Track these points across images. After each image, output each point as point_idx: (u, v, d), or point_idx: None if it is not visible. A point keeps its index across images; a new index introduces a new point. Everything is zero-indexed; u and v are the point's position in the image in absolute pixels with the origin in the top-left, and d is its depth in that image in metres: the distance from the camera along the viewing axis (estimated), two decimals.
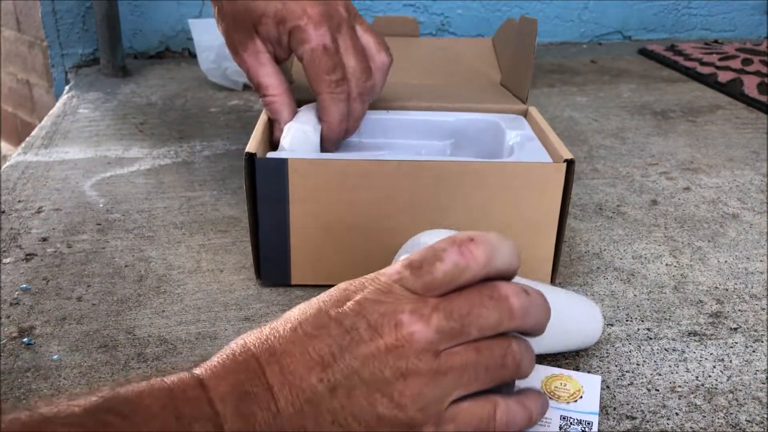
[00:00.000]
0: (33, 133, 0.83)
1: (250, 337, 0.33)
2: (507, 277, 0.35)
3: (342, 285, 0.34)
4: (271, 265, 0.52)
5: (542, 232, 0.51)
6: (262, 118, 0.55)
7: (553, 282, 0.53)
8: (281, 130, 0.53)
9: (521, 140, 0.55)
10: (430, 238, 0.39)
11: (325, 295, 0.34)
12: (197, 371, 0.31)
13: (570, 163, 0.49)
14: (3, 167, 0.74)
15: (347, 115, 0.53)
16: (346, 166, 0.49)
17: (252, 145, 0.49)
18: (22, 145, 0.80)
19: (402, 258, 0.34)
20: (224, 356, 0.32)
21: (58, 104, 0.95)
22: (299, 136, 0.52)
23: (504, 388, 0.35)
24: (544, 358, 0.45)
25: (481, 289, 0.33)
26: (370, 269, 0.40)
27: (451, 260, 0.32)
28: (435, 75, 0.71)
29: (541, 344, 0.44)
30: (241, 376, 0.31)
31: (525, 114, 0.60)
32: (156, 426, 0.28)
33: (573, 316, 0.45)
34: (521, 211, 0.50)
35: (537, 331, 0.36)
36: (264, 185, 0.48)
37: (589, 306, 0.46)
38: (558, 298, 0.46)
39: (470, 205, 0.50)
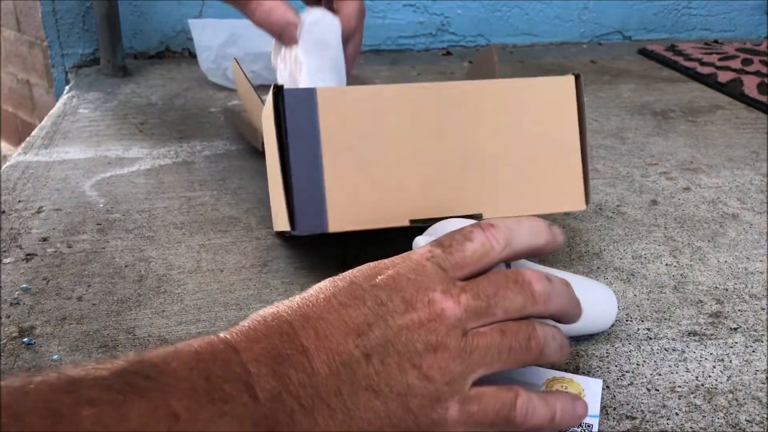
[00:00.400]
0: (33, 133, 0.83)
1: (281, 305, 0.33)
2: (531, 255, 0.38)
3: (371, 263, 0.36)
4: (306, 210, 0.48)
5: (567, 151, 0.52)
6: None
7: (587, 204, 0.53)
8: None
9: None
10: (451, 225, 0.41)
11: (356, 270, 0.35)
12: (224, 335, 0.31)
13: (578, 77, 0.52)
14: (3, 167, 0.74)
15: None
16: (373, 92, 0.49)
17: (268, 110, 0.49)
18: (23, 145, 0.80)
19: (424, 241, 0.37)
20: (255, 321, 0.32)
21: (58, 104, 0.95)
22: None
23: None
24: None
25: (506, 273, 0.35)
26: (405, 208, 0.48)
27: (479, 240, 0.35)
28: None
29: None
30: (275, 339, 0.31)
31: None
32: (185, 387, 0.28)
33: (588, 300, 0.46)
34: (542, 129, 0.52)
35: (564, 317, 0.37)
36: (293, 118, 0.47)
37: (604, 290, 0.47)
38: (573, 282, 0.46)
39: (494, 126, 0.51)
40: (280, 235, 0.60)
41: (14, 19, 1.26)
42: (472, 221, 0.41)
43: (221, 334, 0.32)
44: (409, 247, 0.58)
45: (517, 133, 0.52)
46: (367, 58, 1.18)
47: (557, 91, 0.52)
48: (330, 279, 0.35)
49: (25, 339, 0.46)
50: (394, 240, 0.60)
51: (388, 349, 0.32)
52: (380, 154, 0.49)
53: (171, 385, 0.28)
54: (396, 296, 0.33)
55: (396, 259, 0.35)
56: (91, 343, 0.46)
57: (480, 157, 0.51)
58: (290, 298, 0.34)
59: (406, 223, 0.50)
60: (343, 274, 0.35)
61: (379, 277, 0.34)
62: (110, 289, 0.52)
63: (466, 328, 0.33)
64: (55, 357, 0.44)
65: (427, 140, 0.50)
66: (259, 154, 0.72)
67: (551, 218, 0.64)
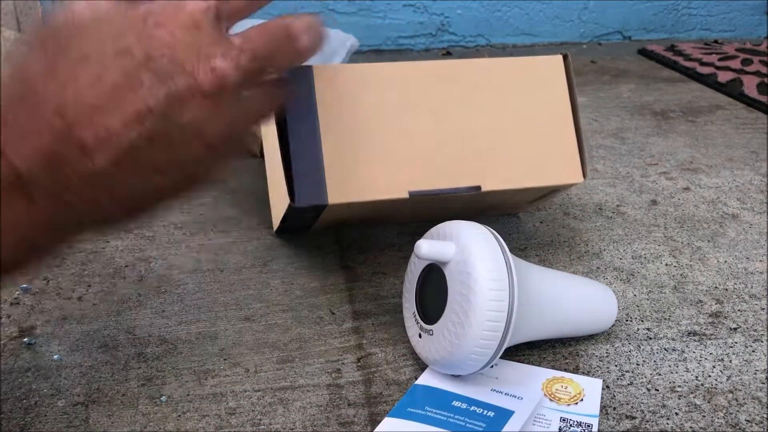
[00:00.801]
0: None
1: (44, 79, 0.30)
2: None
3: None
4: (306, 183, 0.48)
5: (560, 126, 0.54)
6: None
7: (584, 177, 0.54)
8: None
9: None
10: (451, 227, 0.41)
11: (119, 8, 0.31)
12: None
13: (565, 57, 0.54)
14: None
15: None
16: (369, 70, 0.50)
17: None
18: None
19: (427, 244, 0.39)
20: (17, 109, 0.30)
21: None
22: None
23: None
24: (544, 358, 0.45)
25: (278, 31, 0.34)
26: (404, 180, 0.49)
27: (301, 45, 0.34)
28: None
29: (558, 329, 0.45)
30: (46, 139, 0.29)
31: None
32: None
33: (588, 300, 0.46)
34: (535, 105, 0.53)
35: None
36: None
37: (604, 290, 0.47)
38: (574, 284, 0.46)
39: (489, 102, 0.52)
40: (280, 234, 0.60)
41: (14, 19, 1.26)
42: (472, 224, 0.42)
43: None
44: (409, 248, 0.58)
45: (511, 109, 0.53)
46: (367, 58, 1.18)
47: (547, 70, 0.54)
48: (90, 16, 0.31)
49: (26, 339, 0.46)
50: (394, 242, 0.60)
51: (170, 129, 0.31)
52: (377, 128, 0.50)
53: None
54: (176, 67, 0.30)
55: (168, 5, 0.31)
56: (92, 343, 0.46)
57: (476, 131, 0.52)
58: (45, 54, 0.31)
59: (405, 195, 0.50)
60: (107, 8, 0.31)
61: (155, 34, 0.30)
62: (110, 289, 0.52)
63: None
64: (56, 357, 0.44)
65: (423, 115, 0.51)
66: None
67: (552, 216, 0.64)
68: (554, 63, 0.54)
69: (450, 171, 0.51)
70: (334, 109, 0.48)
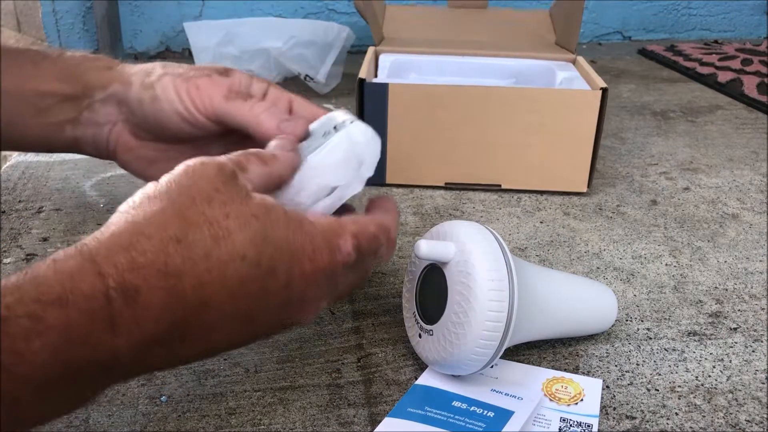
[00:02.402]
0: None
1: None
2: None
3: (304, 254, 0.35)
4: None
5: (582, 145, 0.66)
6: (369, 55, 0.73)
7: (589, 187, 0.68)
8: None
9: (569, 78, 0.71)
10: (452, 227, 0.42)
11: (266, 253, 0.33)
12: (111, 300, 0.29)
13: (604, 91, 0.64)
14: (3, 167, 0.74)
15: None
16: (432, 89, 0.65)
17: (362, 73, 0.66)
18: None
19: (426, 244, 0.40)
20: (149, 293, 0.30)
21: None
22: None
23: None
24: (544, 358, 0.45)
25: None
26: (445, 173, 0.68)
27: (380, 257, 0.40)
28: (501, 35, 0.88)
29: (558, 329, 0.45)
30: (162, 327, 0.30)
31: (573, 62, 0.77)
32: (37, 378, 0.27)
33: (588, 300, 0.46)
34: (566, 128, 0.65)
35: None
36: (370, 104, 0.65)
37: (604, 290, 0.47)
38: (574, 284, 0.46)
39: (525, 122, 0.65)
40: None
41: (14, 19, 1.26)
42: (473, 224, 0.42)
43: (110, 293, 0.29)
44: (409, 248, 0.58)
45: (543, 129, 0.65)
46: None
47: (585, 101, 0.64)
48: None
49: None
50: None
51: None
52: (429, 134, 0.66)
53: (24, 375, 0.26)
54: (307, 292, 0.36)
55: (322, 264, 0.35)
56: None
57: (508, 144, 0.66)
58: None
59: (442, 185, 0.69)
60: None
61: (295, 274, 0.34)
62: None
63: None
64: None
65: (467, 127, 0.66)
66: None
67: (552, 216, 0.64)
68: (592, 96, 0.64)
69: (479, 171, 0.68)
70: (400, 116, 0.66)
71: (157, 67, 0.47)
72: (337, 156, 0.40)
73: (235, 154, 0.36)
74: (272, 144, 0.40)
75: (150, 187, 0.33)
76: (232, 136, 0.47)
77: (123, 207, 0.32)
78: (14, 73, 0.46)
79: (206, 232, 0.31)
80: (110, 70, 0.48)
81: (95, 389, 0.30)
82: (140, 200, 0.32)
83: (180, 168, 0.34)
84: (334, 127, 0.42)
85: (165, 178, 0.33)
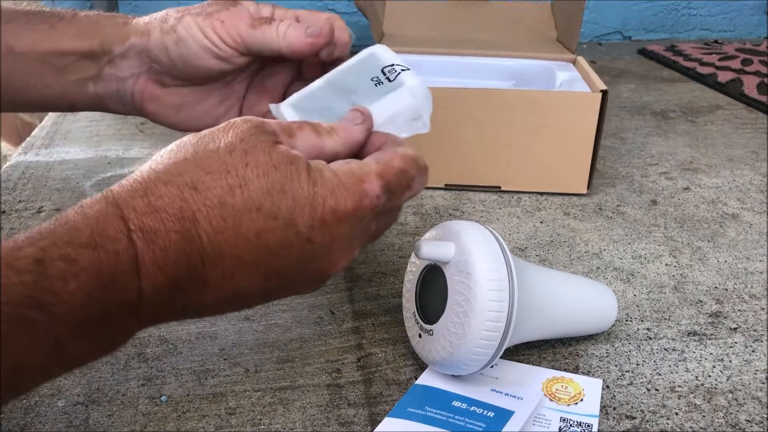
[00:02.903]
0: (33, 133, 0.83)
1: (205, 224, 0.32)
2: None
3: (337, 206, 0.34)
4: None
5: (582, 147, 0.66)
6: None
7: (589, 188, 0.68)
8: None
9: (569, 79, 0.71)
10: (455, 226, 0.42)
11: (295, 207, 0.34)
12: (134, 239, 0.30)
13: (604, 93, 0.63)
14: (3, 167, 0.74)
15: None
16: (432, 91, 0.62)
17: None
18: (23, 145, 0.80)
19: (427, 245, 0.40)
20: (170, 233, 0.31)
21: None
22: None
23: None
24: (544, 358, 0.45)
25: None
26: (445, 174, 0.68)
27: (415, 190, 0.39)
28: (501, 31, 0.88)
29: (558, 329, 0.45)
30: (180, 270, 0.31)
31: (573, 62, 0.77)
32: (76, 318, 0.28)
33: (588, 300, 0.46)
34: (565, 131, 0.65)
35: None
36: None
37: (604, 290, 0.47)
38: (574, 284, 0.46)
39: (526, 124, 0.65)
40: None
41: None
42: (474, 224, 0.42)
43: (132, 236, 0.30)
44: (409, 248, 0.58)
45: (543, 131, 0.65)
46: None
47: (585, 103, 0.64)
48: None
49: None
50: (394, 242, 0.60)
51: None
52: (430, 134, 0.62)
53: (62, 315, 0.28)
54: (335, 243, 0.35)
55: (352, 209, 0.35)
56: None
57: (508, 145, 0.66)
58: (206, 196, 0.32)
59: (442, 185, 0.69)
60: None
61: (324, 221, 0.34)
62: None
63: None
64: None
65: (470, 128, 0.66)
66: None
67: (552, 216, 0.64)
68: (592, 98, 0.64)
69: (479, 172, 0.68)
70: None
71: (171, 12, 0.48)
72: (396, 110, 0.41)
73: (287, 122, 0.37)
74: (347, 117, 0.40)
75: (184, 138, 0.34)
76: (253, 65, 0.49)
77: (154, 157, 0.34)
78: (29, 36, 0.46)
79: (223, 180, 0.32)
80: (126, 25, 0.48)
81: (125, 332, 0.32)
82: (169, 149, 0.34)
83: (222, 124, 0.35)
84: (383, 71, 0.42)
85: (203, 132, 0.35)
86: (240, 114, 0.51)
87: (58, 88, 0.48)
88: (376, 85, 0.42)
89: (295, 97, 0.44)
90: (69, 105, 0.50)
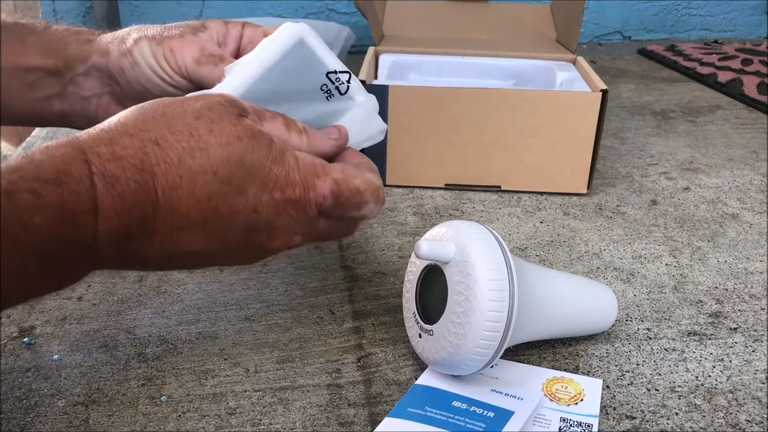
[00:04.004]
0: (33, 133, 0.83)
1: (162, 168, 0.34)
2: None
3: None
4: None
5: (582, 147, 0.66)
6: (369, 55, 0.73)
7: (589, 188, 0.68)
8: None
9: (569, 79, 0.71)
10: (451, 228, 0.42)
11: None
12: (96, 183, 0.32)
13: (605, 92, 0.64)
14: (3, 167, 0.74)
15: None
16: (432, 91, 0.65)
17: (362, 74, 0.66)
18: (23, 145, 0.80)
19: (426, 244, 0.39)
20: (127, 179, 0.33)
21: None
22: None
23: None
24: (544, 358, 0.45)
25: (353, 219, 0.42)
26: (445, 174, 0.68)
27: (364, 213, 0.40)
28: (501, 31, 0.88)
29: (558, 329, 0.45)
30: (134, 218, 0.33)
31: (573, 62, 0.77)
32: (37, 249, 0.31)
33: (588, 300, 0.46)
34: (565, 130, 0.66)
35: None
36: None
37: (604, 290, 0.47)
38: (574, 284, 0.46)
39: (526, 124, 0.66)
40: None
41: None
42: (473, 224, 0.42)
43: (94, 178, 0.32)
44: (409, 248, 0.58)
45: (543, 131, 0.66)
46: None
47: (585, 102, 0.64)
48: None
49: (26, 339, 0.46)
50: (394, 242, 0.60)
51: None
52: (430, 135, 0.66)
53: (29, 246, 0.30)
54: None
55: (297, 190, 0.37)
56: (92, 343, 0.46)
57: (508, 145, 0.66)
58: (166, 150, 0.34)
59: (442, 185, 0.69)
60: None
61: (264, 199, 0.36)
62: (110, 288, 0.52)
63: None
64: (56, 357, 0.44)
65: (468, 128, 0.66)
66: None
67: (552, 216, 0.64)
68: (592, 98, 0.64)
69: (479, 172, 0.68)
70: (401, 117, 0.65)
71: (132, 32, 0.47)
72: (354, 130, 0.43)
73: (261, 109, 0.38)
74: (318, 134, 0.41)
75: (157, 99, 0.36)
76: None
77: (124, 111, 0.35)
78: (2, 49, 0.46)
79: (185, 141, 0.34)
80: (89, 42, 0.48)
81: (80, 270, 0.34)
82: (140, 106, 0.35)
83: (195, 93, 0.37)
84: (329, 78, 0.43)
85: (175, 98, 0.36)
86: None
87: (27, 103, 0.48)
88: (327, 98, 0.43)
89: (236, 88, 0.41)
90: (39, 120, 0.50)
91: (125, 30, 0.48)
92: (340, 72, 0.43)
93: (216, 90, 0.40)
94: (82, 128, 0.51)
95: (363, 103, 0.44)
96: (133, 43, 0.46)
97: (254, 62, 0.41)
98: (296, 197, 0.37)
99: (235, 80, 0.41)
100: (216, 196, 0.34)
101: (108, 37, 0.48)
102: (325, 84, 0.42)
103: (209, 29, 0.47)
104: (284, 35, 0.41)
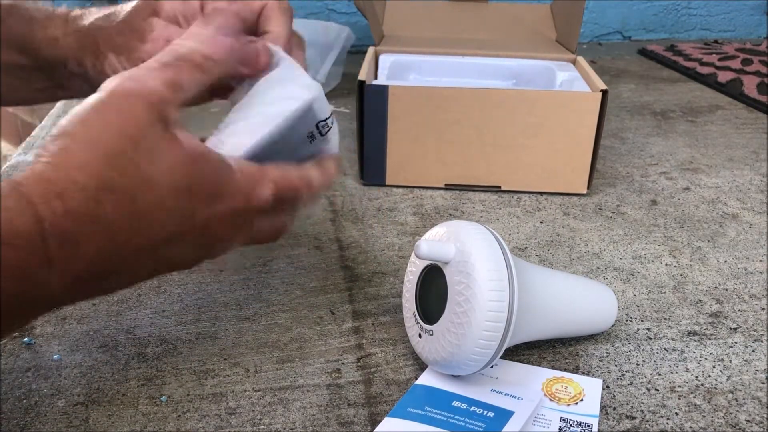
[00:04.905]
0: (33, 133, 0.83)
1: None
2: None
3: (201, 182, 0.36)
4: (372, 169, 0.68)
5: (582, 147, 0.66)
6: (369, 55, 0.73)
7: (589, 188, 0.68)
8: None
9: (569, 79, 0.72)
10: (451, 228, 0.42)
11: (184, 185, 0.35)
12: (42, 223, 0.31)
13: (604, 92, 0.64)
14: (3, 167, 0.74)
15: None
16: (432, 91, 0.65)
17: (362, 74, 0.65)
18: (23, 145, 0.80)
19: (426, 245, 0.39)
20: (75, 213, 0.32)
21: (59, 104, 0.95)
22: None
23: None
24: (544, 358, 0.45)
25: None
26: (445, 174, 0.68)
27: (302, 207, 0.42)
28: (501, 31, 0.88)
29: (558, 329, 0.45)
30: (94, 267, 0.33)
31: (573, 62, 0.77)
32: None
33: (588, 300, 0.46)
34: (565, 130, 0.65)
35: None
36: (370, 105, 0.64)
37: (604, 290, 0.47)
38: (574, 284, 0.47)
39: (526, 124, 0.65)
40: None
41: None
42: (472, 224, 0.42)
43: (45, 234, 0.31)
44: (409, 248, 0.58)
45: (543, 131, 0.65)
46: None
47: (585, 102, 0.64)
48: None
49: (26, 339, 0.46)
50: (394, 242, 0.60)
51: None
52: (430, 135, 0.66)
53: None
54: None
55: (237, 201, 0.37)
56: (92, 343, 0.46)
57: (508, 145, 0.66)
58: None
59: (442, 185, 0.69)
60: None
61: (209, 212, 0.36)
62: None
63: None
64: (56, 357, 0.44)
65: (468, 129, 0.66)
66: None
67: (552, 216, 0.64)
68: (592, 98, 0.64)
69: (479, 172, 0.68)
70: (400, 118, 0.66)
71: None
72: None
73: (167, 73, 0.35)
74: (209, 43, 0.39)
75: (77, 125, 0.33)
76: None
77: (50, 144, 0.33)
78: None
79: (134, 179, 0.33)
80: (56, 42, 0.47)
81: (29, 317, 0.34)
82: (69, 141, 0.33)
83: (107, 100, 0.34)
84: (318, 127, 0.42)
85: (93, 112, 0.34)
86: None
87: (31, 92, 0.48)
88: (310, 141, 0.43)
89: (248, 144, 0.41)
90: (52, 100, 0.51)
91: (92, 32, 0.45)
92: (327, 118, 0.43)
93: (228, 151, 0.39)
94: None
95: (336, 144, 0.44)
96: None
97: (263, 124, 0.40)
98: (240, 207, 0.37)
99: (244, 138, 0.40)
100: (168, 224, 0.35)
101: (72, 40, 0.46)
102: (312, 131, 0.42)
103: (155, 27, 0.45)
104: (297, 103, 0.41)
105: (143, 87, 0.34)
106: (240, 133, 0.40)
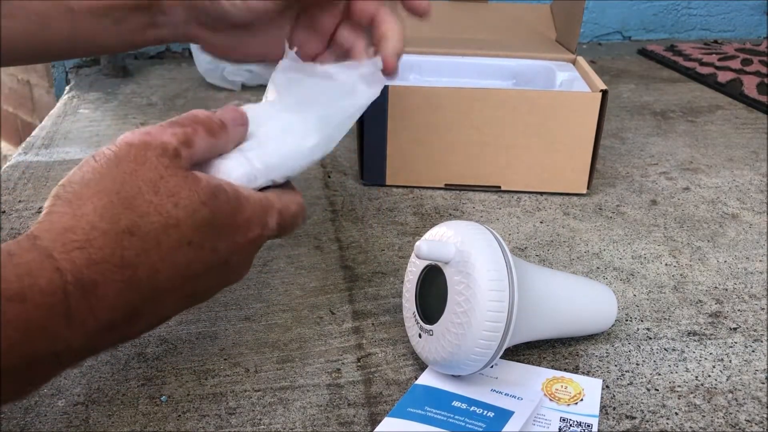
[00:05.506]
0: (33, 134, 0.83)
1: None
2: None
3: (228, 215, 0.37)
4: (372, 169, 0.68)
5: (582, 147, 0.66)
6: None
7: (589, 188, 0.68)
8: None
9: (569, 79, 0.71)
10: (451, 228, 0.42)
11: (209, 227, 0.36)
12: (69, 286, 0.30)
13: (604, 93, 0.64)
14: (3, 167, 0.74)
15: None
16: (432, 91, 0.65)
17: None
18: (23, 145, 0.80)
19: (426, 245, 0.39)
20: (102, 273, 0.31)
21: (59, 104, 0.95)
22: None
23: None
24: (544, 358, 0.45)
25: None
26: (445, 174, 0.68)
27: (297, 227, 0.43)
28: (501, 31, 0.88)
29: (558, 329, 0.45)
30: (117, 314, 0.32)
31: (573, 62, 0.77)
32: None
33: (588, 300, 0.46)
34: (565, 130, 0.66)
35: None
36: (370, 105, 0.60)
37: (604, 290, 0.47)
38: (574, 284, 0.47)
39: (526, 124, 0.65)
40: None
41: None
42: (472, 224, 0.42)
43: (68, 287, 0.30)
44: (409, 248, 0.58)
45: (543, 131, 0.66)
46: None
47: (584, 102, 0.64)
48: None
49: None
50: (394, 242, 0.60)
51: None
52: (429, 134, 0.66)
53: None
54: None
55: (249, 235, 0.38)
56: None
57: (508, 145, 0.66)
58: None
59: (442, 185, 0.69)
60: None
61: (223, 245, 0.37)
62: None
63: None
64: None
65: (468, 129, 0.66)
66: None
67: (552, 216, 0.64)
68: (592, 98, 0.64)
69: (479, 171, 0.68)
70: (400, 118, 0.66)
71: None
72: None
73: (181, 129, 0.36)
74: (225, 112, 0.40)
75: (90, 173, 0.33)
76: (296, 6, 0.50)
77: (65, 192, 0.33)
78: None
79: (156, 222, 0.33)
80: None
81: (46, 377, 0.33)
82: (84, 189, 0.33)
83: (123, 150, 0.34)
84: None
85: (106, 161, 0.34)
86: (290, 46, 0.49)
87: (118, 36, 0.49)
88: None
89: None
90: (131, 47, 0.52)
91: None
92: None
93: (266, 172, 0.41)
94: (174, 48, 0.53)
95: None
96: None
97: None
98: (255, 237, 0.38)
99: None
100: (194, 262, 0.35)
101: None
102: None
103: None
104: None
105: (156, 139, 0.35)
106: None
